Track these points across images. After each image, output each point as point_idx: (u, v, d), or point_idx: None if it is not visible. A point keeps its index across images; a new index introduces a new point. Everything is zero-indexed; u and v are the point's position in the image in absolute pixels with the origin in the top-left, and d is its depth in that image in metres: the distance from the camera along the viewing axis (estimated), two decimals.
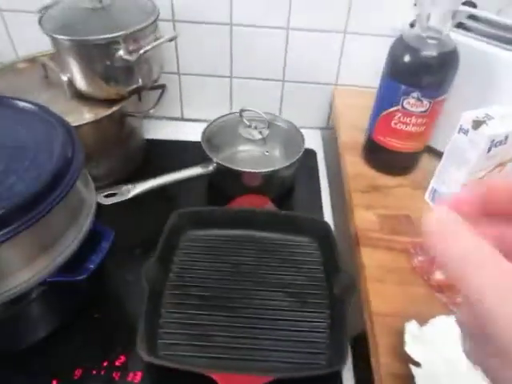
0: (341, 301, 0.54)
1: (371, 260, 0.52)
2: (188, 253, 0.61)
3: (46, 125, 0.48)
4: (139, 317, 0.49)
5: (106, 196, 0.61)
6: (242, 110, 0.73)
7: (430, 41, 0.53)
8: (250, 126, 0.74)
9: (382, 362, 0.42)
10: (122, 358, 0.50)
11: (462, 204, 0.22)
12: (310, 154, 0.80)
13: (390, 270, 0.51)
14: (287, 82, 0.82)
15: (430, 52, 0.53)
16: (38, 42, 0.71)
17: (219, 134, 0.75)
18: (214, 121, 0.74)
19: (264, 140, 0.75)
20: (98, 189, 0.62)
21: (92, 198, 0.52)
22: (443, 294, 0.48)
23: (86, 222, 0.49)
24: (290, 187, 0.74)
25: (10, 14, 0.77)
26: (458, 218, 0.20)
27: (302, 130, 0.73)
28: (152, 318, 0.51)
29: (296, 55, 0.79)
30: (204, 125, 0.73)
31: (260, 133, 0.74)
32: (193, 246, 0.61)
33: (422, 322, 0.44)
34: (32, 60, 0.73)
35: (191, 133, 0.79)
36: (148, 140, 0.81)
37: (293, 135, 0.73)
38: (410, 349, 0.40)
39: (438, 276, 0.48)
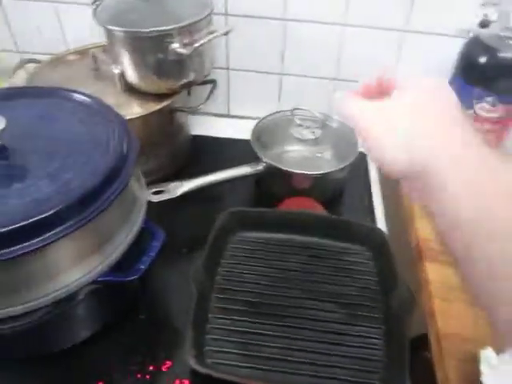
0: (398, 316, 0.50)
1: (435, 275, 0.48)
2: (236, 255, 0.58)
3: (101, 118, 0.46)
4: (187, 322, 0.47)
5: (155, 193, 0.59)
6: (294, 109, 0.70)
7: (510, 41, 0.48)
8: (301, 126, 0.71)
9: None
10: (168, 363, 0.48)
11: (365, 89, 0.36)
12: (361, 156, 0.76)
13: (457, 287, 0.47)
14: (340, 80, 0.79)
15: (510, 54, 0.48)
16: (89, 34, 0.71)
17: (268, 132, 0.72)
18: (264, 118, 0.72)
19: (315, 140, 0.72)
20: (147, 185, 0.60)
21: (144, 194, 0.51)
22: None
23: (138, 220, 0.47)
24: (340, 190, 0.71)
25: (63, 6, 0.77)
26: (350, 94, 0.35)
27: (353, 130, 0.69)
28: (199, 323, 0.49)
29: (351, 53, 0.75)
30: (251, 122, 0.71)
31: (312, 133, 0.71)
32: (241, 249, 0.59)
33: (497, 347, 0.40)
34: (83, 52, 0.73)
35: (238, 130, 0.77)
36: (194, 136, 0.80)
37: (346, 136, 0.69)
38: (488, 381, 0.36)
39: None
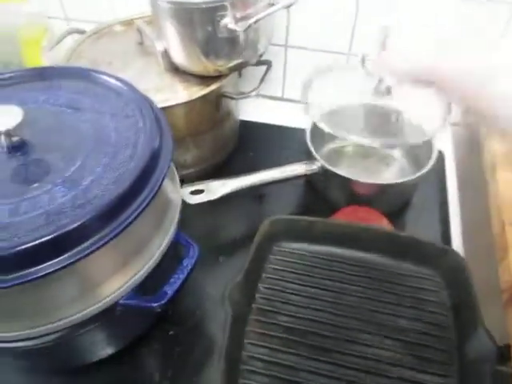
0: (474, 368, 0.41)
1: None
2: (279, 269, 0.50)
3: (133, 109, 0.39)
4: (220, 349, 0.40)
5: (192, 193, 0.52)
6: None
7: None
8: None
9: None
10: None
11: None
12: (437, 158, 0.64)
13: None
14: None
15: None
16: (138, 3, 0.64)
17: (330, 122, 0.62)
18: (325, 109, 0.62)
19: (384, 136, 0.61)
20: (183, 180, 0.53)
21: (178, 197, 0.44)
22: None
23: (170, 230, 0.40)
24: (409, 199, 0.60)
25: None
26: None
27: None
28: (234, 350, 0.42)
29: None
30: (311, 109, 0.61)
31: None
32: (286, 262, 0.51)
33: None
34: (129, 23, 0.66)
35: (292, 116, 0.68)
36: (242, 121, 0.71)
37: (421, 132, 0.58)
38: None
39: None
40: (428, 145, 0.56)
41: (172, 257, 0.41)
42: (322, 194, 0.60)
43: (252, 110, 0.74)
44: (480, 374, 0.40)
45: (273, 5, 0.51)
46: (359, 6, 0.63)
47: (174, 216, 0.41)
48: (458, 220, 0.57)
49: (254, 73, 0.64)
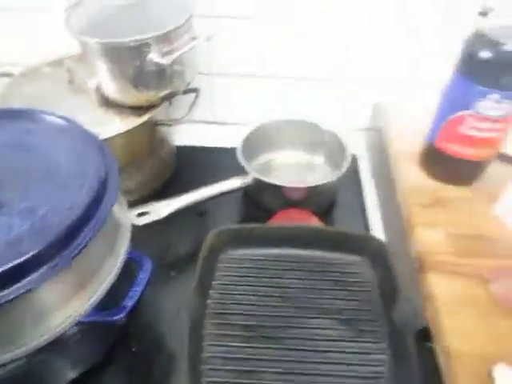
0: (401, 332, 0.48)
1: (440, 288, 0.46)
2: (228, 275, 0.55)
3: (76, 142, 0.42)
4: (181, 356, 0.44)
5: (139, 215, 0.56)
6: None
7: None
8: None
9: None
10: None
11: None
12: (352, 160, 0.73)
13: (465, 300, 0.45)
14: (327, 80, 0.76)
15: None
16: (65, 44, 0.67)
17: (259, 139, 0.69)
18: (252, 128, 0.68)
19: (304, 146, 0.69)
20: (130, 206, 0.57)
21: (127, 219, 0.47)
22: None
23: (122, 250, 0.44)
24: (334, 199, 0.68)
25: (35, 14, 0.72)
26: None
27: (343, 132, 0.67)
28: (194, 353, 0.46)
29: (354, 53, 0.72)
30: (238, 128, 0.68)
31: None
32: (233, 268, 0.56)
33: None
34: (58, 63, 0.68)
35: (225, 138, 0.74)
36: (179, 147, 0.76)
37: (335, 142, 0.66)
38: None
39: None
40: (343, 151, 0.64)
41: (126, 273, 0.44)
42: (258, 202, 0.66)
43: (187, 136, 0.79)
44: (404, 333, 0.47)
45: (195, 38, 0.58)
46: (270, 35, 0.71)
47: (126, 236, 0.45)
48: (377, 211, 0.65)
49: (184, 100, 0.69)
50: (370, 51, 0.72)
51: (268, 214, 0.62)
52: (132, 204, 0.57)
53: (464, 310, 0.44)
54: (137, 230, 0.54)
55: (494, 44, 0.46)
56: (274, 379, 0.46)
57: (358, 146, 0.78)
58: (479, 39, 0.47)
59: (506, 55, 0.46)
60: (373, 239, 0.56)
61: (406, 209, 0.55)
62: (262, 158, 0.71)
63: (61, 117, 0.44)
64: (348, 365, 0.47)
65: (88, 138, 0.43)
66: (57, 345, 0.39)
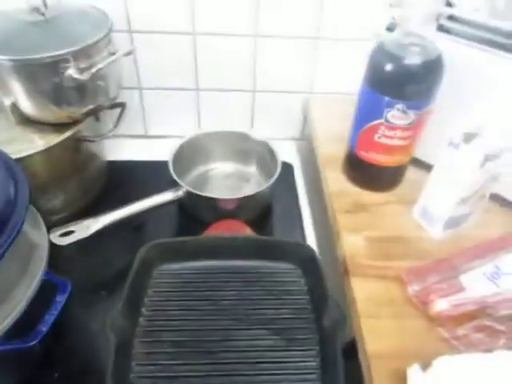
0: (330, 336, 0.49)
1: (362, 292, 0.47)
2: (159, 291, 0.54)
3: None
4: (105, 375, 0.43)
5: (62, 235, 0.54)
6: None
7: (412, 48, 0.48)
8: None
9: None
10: None
11: None
12: (286, 168, 0.74)
13: (384, 302, 0.46)
14: (258, 92, 0.77)
15: (414, 60, 0.48)
16: None
17: (190, 152, 0.69)
18: (183, 139, 0.68)
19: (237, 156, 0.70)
20: (55, 225, 0.55)
21: (44, 240, 0.46)
22: (444, 327, 0.43)
23: (37, 272, 0.42)
24: (268, 207, 0.69)
25: None
26: None
27: (276, 142, 0.68)
28: (121, 375, 0.45)
29: (265, 63, 0.74)
30: (171, 141, 0.67)
31: None
32: (165, 283, 0.55)
33: (425, 361, 0.39)
34: None
35: (157, 151, 0.73)
36: (110, 162, 0.74)
37: (267, 151, 0.67)
38: None
39: (439, 307, 0.44)
40: (275, 161, 0.65)
41: (45, 297, 0.43)
42: (193, 215, 0.65)
43: (119, 151, 0.78)
44: (334, 339, 0.48)
45: (114, 54, 0.57)
46: (197, 48, 0.72)
47: (41, 259, 0.43)
48: (310, 218, 0.67)
49: (114, 115, 0.67)
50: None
51: (204, 226, 0.61)
52: (59, 224, 0.55)
53: (383, 311, 0.45)
54: (66, 249, 0.53)
55: (394, 57, 0.48)
56: None
57: (292, 155, 0.79)
58: (381, 53, 0.50)
59: (406, 68, 0.48)
60: (302, 246, 0.57)
61: (332, 215, 0.57)
62: (197, 170, 0.71)
63: None
64: (280, 375, 0.47)
65: None
66: None
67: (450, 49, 0.49)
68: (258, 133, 0.71)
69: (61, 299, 0.41)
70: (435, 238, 0.53)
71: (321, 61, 0.73)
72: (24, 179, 0.42)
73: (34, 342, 0.38)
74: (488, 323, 0.43)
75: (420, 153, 0.59)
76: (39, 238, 0.45)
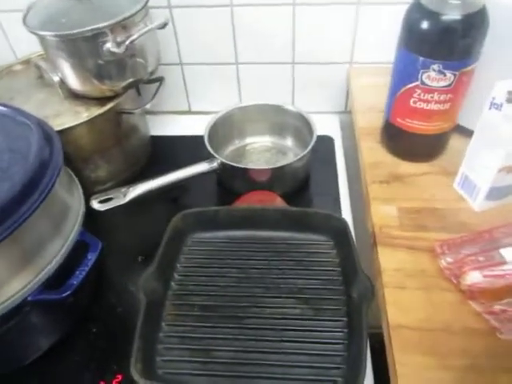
0: (358, 307, 0.48)
1: (390, 262, 0.45)
2: (191, 258, 0.56)
3: (21, 128, 0.44)
4: (135, 333, 0.45)
5: (102, 201, 0.57)
6: None
7: (451, 1, 0.44)
8: None
9: None
10: (119, 377, 0.46)
11: None
12: (327, 142, 0.73)
13: (413, 273, 0.44)
14: (298, 64, 0.75)
15: (453, 15, 0.44)
16: (34, 42, 0.69)
17: (227, 126, 0.69)
18: (217, 116, 0.69)
19: (274, 130, 0.69)
20: (99, 193, 0.58)
21: (79, 204, 0.49)
22: (476, 300, 0.40)
23: (71, 232, 0.45)
24: (304, 180, 0.68)
25: (5, 15, 0.75)
26: None
27: (318, 116, 0.67)
28: (150, 332, 0.47)
29: (304, 33, 0.72)
30: (212, 117, 0.68)
31: None
32: (197, 250, 0.56)
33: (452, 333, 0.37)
34: (27, 61, 0.71)
35: (200, 126, 0.74)
36: (154, 137, 0.77)
37: (304, 123, 0.66)
38: None
39: (471, 279, 0.41)
40: (311, 133, 0.64)
41: (80, 254, 0.46)
42: (228, 186, 0.66)
43: (163, 126, 0.80)
44: (361, 310, 0.47)
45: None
46: (235, 21, 0.72)
47: (75, 221, 0.46)
48: (347, 190, 0.65)
49: (154, 90, 0.70)
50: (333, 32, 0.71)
51: (239, 196, 0.62)
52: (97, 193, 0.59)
53: (411, 283, 0.43)
54: (106, 216, 0.56)
55: (431, 14, 0.45)
56: (230, 357, 0.46)
57: (334, 129, 0.77)
58: (417, 10, 0.46)
59: (444, 25, 0.45)
60: (334, 218, 0.56)
61: (364, 185, 0.55)
62: (234, 145, 0.72)
63: (6, 105, 0.46)
64: (306, 342, 0.47)
65: (32, 123, 0.44)
66: (8, 319, 0.40)
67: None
68: (300, 106, 0.70)
69: (92, 257, 0.44)
70: (476, 210, 0.49)
71: (362, 29, 0.70)
72: (59, 146, 0.45)
73: (66, 294, 0.41)
74: None
75: (464, 119, 0.55)
76: (74, 201, 0.48)
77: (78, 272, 0.42)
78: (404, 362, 0.37)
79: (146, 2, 0.59)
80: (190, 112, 0.84)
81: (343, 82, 0.77)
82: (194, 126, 0.77)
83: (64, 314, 0.48)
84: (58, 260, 0.42)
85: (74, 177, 0.51)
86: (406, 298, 0.42)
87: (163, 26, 0.58)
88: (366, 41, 0.71)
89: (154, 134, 0.78)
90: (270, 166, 0.60)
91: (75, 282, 0.41)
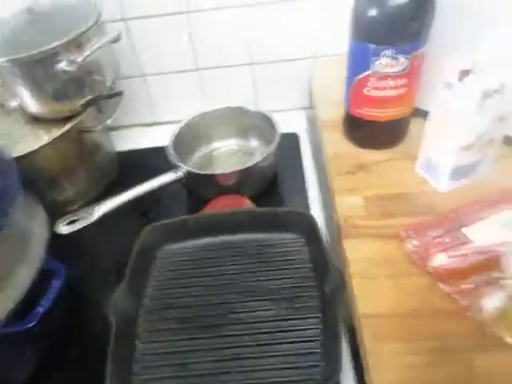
0: (331, 301, 0.47)
1: (357, 252, 0.45)
2: (164, 271, 0.55)
3: None
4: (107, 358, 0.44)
5: (70, 223, 0.56)
6: None
7: None
8: None
9: (374, 378, 0.35)
10: None
11: None
12: (293, 139, 0.72)
13: (381, 261, 0.43)
14: (258, 64, 0.75)
15: None
16: None
17: (190, 134, 0.69)
18: (180, 125, 0.68)
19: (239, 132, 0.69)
20: (69, 214, 0.57)
21: (43, 230, 0.48)
22: (444, 282, 0.40)
23: (35, 260, 0.44)
24: (272, 179, 0.67)
25: None
26: None
27: (283, 113, 0.66)
28: (125, 354, 0.46)
29: (263, 33, 0.72)
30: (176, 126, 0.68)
31: None
32: (168, 263, 0.56)
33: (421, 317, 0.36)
34: None
35: (167, 137, 0.74)
36: (121, 152, 0.76)
37: (266, 123, 0.66)
38: None
39: (438, 261, 0.41)
40: (274, 131, 0.63)
41: (45, 281, 0.45)
42: (197, 194, 0.65)
43: (129, 140, 0.79)
44: (334, 304, 0.46)
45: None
46: (192, 27, 0.71)
47: (39, 247, 0.45)
48: (316, 188, 0.64)
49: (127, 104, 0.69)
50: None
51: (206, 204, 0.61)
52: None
53: (379, 271, 0.43)
54: (74, 237, 0.55)
55: (377, 0, 0.44)
56: (210, 368, 0.46)
57: (301, 125, 0.77)
58: None
59: (391, 9, 0.44)
60: (302, 215, 0.55)
61: (329, 178, 0.54)
62: (201, 152, 0.71)
63: None
64: (283, 343, 0.46)
65: None
66: None
67: None
68: (265, 106, 0.70)
69: (56, 284, 0.43)
70: (441, 191, 0.49)
71: (322, 22, 0.70)
72: (15, 172, 0.44)
73: (31, 324, 0.40)
74: (498, 276, 0.39)
75: (422, 102, 0.54)
76: (37, 227, 0.47)
77: (43, 300, 0.41)
78: (376, 351, 0.37)
79: (98, 18, 0.59)
80: (155, 123, 0.83)
81: (306, 78, 0.77)
82: (161, 137, 0.77)
83: (32, 344, 0.46)
84: (21, 290, 0.41)
85: (38, 202, 0.50)
86: (374, 287, 0.42)
87: (116, 39, 0.58)
88: (326, 34, 0.71)
89: (121, 148, 0.77)
90: (234, 169, 0.59)
91: (41, 311, 0.40)
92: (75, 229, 0.55)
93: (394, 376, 0.35)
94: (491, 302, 0.37)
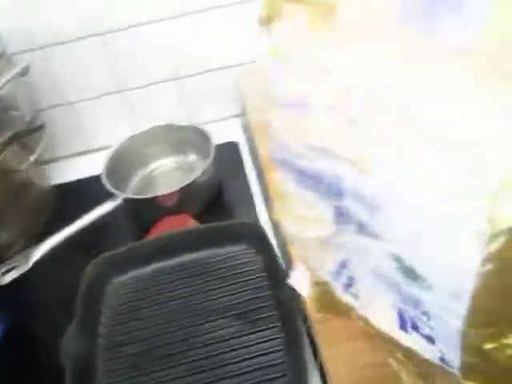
0: (289, 308, 0.47)
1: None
2: (114, 306, 0.53)
3: None
4: None
5: (6, 272, 0.52)
6: None
7: None
8: None
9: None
10: None
11: None
12: (232, 148, 0.71)
13: None
14: (185, 77, 0.74)
15: None
16: None
17: (124, 158, 0.66)
18: (112, 151, 0.66)
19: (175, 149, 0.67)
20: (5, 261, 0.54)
21: None
22: None
23: None
24: (217, 192, 0.66)
25: None
26: None
27: (220, 123, 0.65)
28: None
29: (186, 44, 0.70)
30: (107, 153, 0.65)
31: None
32: (118, 296, 0.53)
33: None
34: None
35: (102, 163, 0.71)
36: (56, 186, 0.73)
37: (200, 135, 0.65)
38: None
39: None
40: (209, 143, 0.62)
41: None
42: (140, 220, 0.63)
43: (65, 172, 0.76)
44: (292, 310, 0.46)
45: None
46: (107, 48, 0.69)
47: None
48: (260, 196, 0.64)
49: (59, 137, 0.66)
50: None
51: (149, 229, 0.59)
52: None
53: None
54: (20, 282, 0.52)
55: None
56: None
57: (237, 134, 0.76)
58: None
59: None
60: (249, 225, 0.55)
61: (266, 184, 0.54)
62: (139, 175, 0.69)
63: None
64: (247, 359, 0.46)
65: None
66: None
67: None
68: (199, 118, 0.69)
69: None
70: None
71: (244, 29, 0.70)
72: None
73: None
74: None
75: None
76: None
77: None
78: (332, 355, 0.37)
79: (2, 51, 0.56)
80: (89, 151, 0.80)
81: (236, 85, 0.76)
82: (97, 165, 0.74)
83: None
84: None
85: None
86: None
87: (25, 71, 0.55)
88: (251, 40, 0.71)
89: (57, 181, 0.74)
90: (173, 189, 0.58)
91: None
92: (14, 277, 0.52)
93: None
94: None
